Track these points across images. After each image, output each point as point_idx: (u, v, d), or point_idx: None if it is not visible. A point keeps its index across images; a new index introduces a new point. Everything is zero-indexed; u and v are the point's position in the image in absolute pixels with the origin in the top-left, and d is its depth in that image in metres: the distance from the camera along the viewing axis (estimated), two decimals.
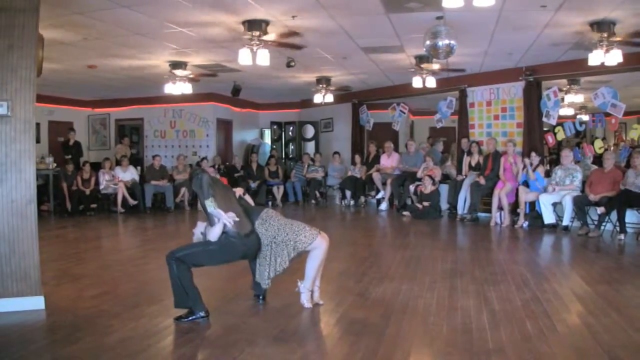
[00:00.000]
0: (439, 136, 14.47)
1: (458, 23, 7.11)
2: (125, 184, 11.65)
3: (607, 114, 9.88)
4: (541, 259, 7.16)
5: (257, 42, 7.49)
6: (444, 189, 10.97)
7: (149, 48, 8.79)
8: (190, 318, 4.15)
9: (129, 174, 12.02)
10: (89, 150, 15.25)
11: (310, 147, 16.00)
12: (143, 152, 15.38)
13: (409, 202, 11.23)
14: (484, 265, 6.25)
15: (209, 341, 3.90)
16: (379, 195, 12.38)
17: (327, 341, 3.91)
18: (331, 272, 5.76)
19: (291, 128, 16.46)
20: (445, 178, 11.37)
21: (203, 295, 4.21)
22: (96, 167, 12.20)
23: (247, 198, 4.87)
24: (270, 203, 12.91)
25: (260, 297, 4.72)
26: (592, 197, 8.21)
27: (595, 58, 7.64)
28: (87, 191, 11.36)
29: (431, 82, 9.96)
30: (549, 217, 8.83)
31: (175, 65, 10.02)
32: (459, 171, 10.95)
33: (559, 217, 8.86)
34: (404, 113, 13.58)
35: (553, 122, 10.41)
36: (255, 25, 7.29)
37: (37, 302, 4.48)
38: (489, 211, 9.82)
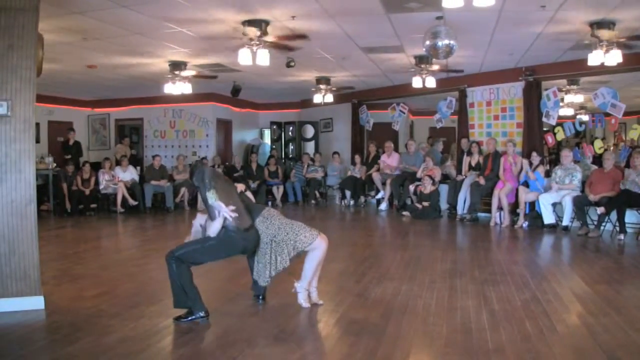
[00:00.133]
0: (438, 136, 14.48)
1: (458, 23, 7.11)
2: (125, 184, 11.65)
3: (607, 114, 9.89)
4: (541, 259, 7.16)
5: (257, 42, 7.50)
6: (444, 189, 10.97)
7: (148, 48, 8.78)
8: (189, 318, 4.15)
9: (129, 174, 12.02)
10: (88, 150, 15.24)
11: (310, 147, 16.00)
12: (143, 152, 15.37)
13: (408, 202, 11.23)
14: (484, 265, 6.25)
15: (208, 341, 3.90)
16: (379, 196, 12.38)
17: (326, 341, 3.91)
18: (331, 273, 5.76)
19: (291, 128, 16.46)
20: (445, 178, 11.37)
21: (203, 295, 4.20)
22: (96, 167, 12.20)
23: (249, 194, 4.87)
24: (270, 203, 12.89)
25: (260, 297, 4.72)
26: (592, 197, 8.22)
27: (595, 58, 7.64)
28: (87, 191, 11.35)
29: (431, 82, 9.96)
30: (548, 217, 8.83)
31: (175, 65, 10.02)
32: (459, 171, 10.95)
33: (559, 217, 8.86)
34: (404, 113, 13.58)
35: (553, 122, 10.41)
36: (255, 26, 7.29)
37: (36, 302, 4.48)
38: (489, 211, 9.82)
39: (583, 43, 8.03)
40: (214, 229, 4.22)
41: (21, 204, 4.50)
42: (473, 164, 10.55)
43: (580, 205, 8.38)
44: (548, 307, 4.52)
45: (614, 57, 7.54)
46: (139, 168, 13.11)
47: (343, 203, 13.07)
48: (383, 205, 11.90)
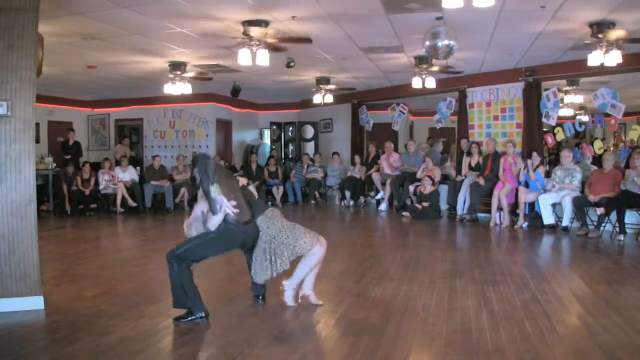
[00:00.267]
0: (438, 137, 14.48)
1: (458, 23, 7.11)
2: (124, 184, 11.65)
3: (607, 115, 9.88)
4: (540, 259, 7.16)
5: (257, 43, 7.49)
6: (444, 189, 10.98)
7: (148, 48, 8.78)
8: (189, 318, 4.15)
9: (129, 174, 12.02)
10: (88, 150, 15.24)
11: (309, 147, 15.99)
12: (142, 152, 15.37)
13: (408, 202, 11.23)
14: (484, 265, 6.25)
15: (208, 341, 3.91)
16: (379, 196, 12.38)
17: (326, 341, 3.91)
18: (331, 273, 5.76)
19: (291, 128, 16.46)
20: (445, 178, 11.37)
21: (203, 295, 4.20)
22: (96, 167, 12.20)
23: (251, 188, 4.86)
24: (269, 203, 12.89)
25: (260, 298, 4.72)
26: (592, 198, 8.22)
27: (595, 59, 7.64)
28: (87, 191, 11.36)
29: (431, 83, 9.96)
30: (548, 218, 8.84)
31: (175, 65, 10.01)
32: (459, 172, 10.95)
33: (559, 218, 8.86)
34: (404, 113, 13.58)
35: (553, 122, 10.41)
36: (255, 26, 7.28)
37: (36, 302, 4.48)
38: (489, 212, 9.82)
39: (583, 43, 8.03)
40: (214, 222, 4.23)
41: (21, 204, 4.50)
42: (473, 164, 10.55)
43: (580, 205, 8.39)
44: (548, 307, 4.52)
45: (614, 58, 7.54)
46: (138, 168, 13.11)
47: (343, 203, 13.07)
48: (383, 206, 11.90)
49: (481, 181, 9.96)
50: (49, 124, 14.16)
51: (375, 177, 12.43)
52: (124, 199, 11.50)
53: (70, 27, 7.33)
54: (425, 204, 10.56)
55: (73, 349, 3.61)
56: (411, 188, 11.09)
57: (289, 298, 4.60)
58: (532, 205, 9.32)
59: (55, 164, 11.83)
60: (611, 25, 7.22)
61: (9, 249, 4.44)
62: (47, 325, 4.17)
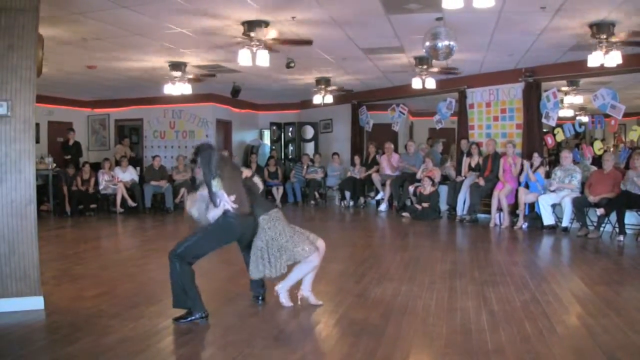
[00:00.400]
0: (438, 137, 14.48)
1: (458, 24, 7.11)
2: (124, 185, 11.65)
3: (607, 115, 9.88)
4: (540, 260, 7.17)
5: (257, 43, 7.49)
6: (444, 190, 10.97)
7: (148, 48, 8.78)
8: (189, 319, 4.15)
9: (129, 175, 12.02)
10: (88, 150, 15.24)
11: (309, 147, 15.99)
12: (142, 153, 15.37)
13: (408, 203, 11.23)
14: (483, 266, 6.25)
15: (208, 341, 3.91)
16: (379, 196, 12.38)
17: (326, 342, 3.91)
18: (331, 273, 5.77)
19: (290, 129, 16.46)
20: (445, 179, 11.37)
21: (202, 295, 4.20)
22: (96, 167, 12.20)
23: (256, 180, 4.82)
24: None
25: (260, 298, 4.73)
26: (592, 199, 8.22)
27: (595, 59, 7.64)
28: (87, 190, 11.36)
29: (431, 83, 9.95)
30: (548, 219, 8.84)
31: (175, 65, 10.01)
32: (459, 172, 10.94)
33: (559, 219, 8.86)
34: (404, 114, 13.58)
35: (553, 123, 10.40)
36: (255, 26, 7.29)
37: (36, 302, 4.48)
38: (489, 212, 9.82)
39: (583, 44, 8.03)
40: (213, 215, 4.25)
41: (21, 204, 4.50)
42: (473, 165, 10.55)
43: (580, 206, 8.39)
44: (548, 308, 4.52)
45: (614, 59, 7.54)
46: (138, 168, 13.11)
47: (342, 204, 13.07)
48: (383, 206, 11.90)
49: (481, 182, 9.96)
50: (49, 124, 14.16)
51: (375, 178, 12.43)
52: (123, 199, 11.50)
53: (71, 27, 7.33)
54: (425, 205, 10.56)
55: (73, 349, 3.61)
56: (411, 189, 11.09)
57: (284, 299, 4.63)
58: (532, 206, 9.32)
59: (55, 164, 11.83)
60: (611, 25, 7.22)
61: (9, 249, 4.44)
62: (47, 325, 4.17)
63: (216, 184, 4.15)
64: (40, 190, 9.69)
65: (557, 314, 4.36)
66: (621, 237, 7.80)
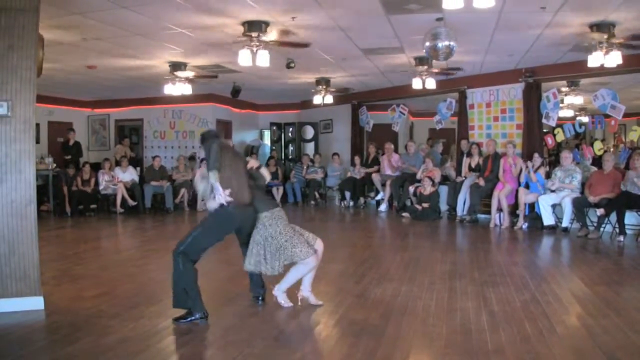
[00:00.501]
0: (438, 137, 14.48)
1: (458, 24, 7.12)
2: (124, 185, 11.65)
3: (607, 116, 9.88)
4: (540, 260, 7.17)
5: (257, 43, 7.50)
6: (444, 190, 10.97)
7: (148, 49, 8.79)
8: (188, 319, 4.15)
9: (129, 175, 12.02)
10: (88, 150, 15.24)
11: (309, 148, 16.00)
12: (142, 153, 15.37)
13: (408, 203, 11.23)
14: (483, 266, 6.25)
15: (208, 342, 3.91)
16: (379, 197, 12.39)
17: (326, 342, 3.91)
18: (330, 273, 5.77)
19: (291, 129, 16.46)
20: (445, 179, 11.37)
21: (202, 295, 4.20)
22: (96, 167, 12.20)
23: (263, 171, 4.79)
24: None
25: (260, 298, 4.73)
26: (592, 199, 8.22)
27: (595, 60, 7.64)
28: (87, 190, 11.36)
29: (431, 84, 9.96)
30: (548, 219, 8.83)
31: (175, 66, 10.02)
32: (459, 172, 10.94)
33: (559, 219, 8.86)
34: (404, 114, 13.58)
35: (553, 123, 10.40)
36: (255, 26, 7.29)
37: (36, 303, 4.48)
38: (489, 212, 9.82)
39: (583, 44, 8.03)
40: (211, 205, 4.31)
41: (21, 205, 4.50)
42: (473, 165, 10.55)
43: (580, 206, 8.39)
44: (547, 308, 4.52)
45: (614, 59, 7.54)
46: (138, 169, 13.11)
47: (342, 204, 13.07)
48: (383, 207, 11.90)
49: (481, 182, 9.96)
50: (49, 124, 14.17)
51: (375, 178, 12.43)
52: (123, 200, 11.51)
53: (71, 27, 7.33)
54: (425, 205, 10.55)
55: (73, 350, 3.61)
56: (411, 189, 11.10)
57: (282, 300, 4.64)
58: (532, 206, 9.32)
59: (55, 165, 11.84)
60: (611, 26, 7.22)
61: (9, 249, 4.44)
62: (47, 325, 4.17)
63: (213, 176, 4.19)
64: (40, 191, 9.69)
65: (557, 314, 4.36)
66: (621, 238, 7.80)
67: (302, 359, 3.55)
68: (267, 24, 7.30)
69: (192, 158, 13.38)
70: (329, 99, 12.53)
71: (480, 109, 11.42)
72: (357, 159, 13.20)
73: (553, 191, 8.92)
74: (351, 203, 12.83)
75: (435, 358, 3.56)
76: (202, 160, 4.73)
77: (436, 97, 12.45)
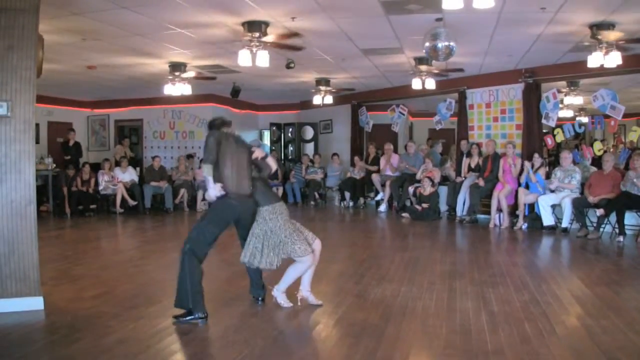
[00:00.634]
0: (438, 138, 14.49)
1: (458, 25, 7.12)
2: (124, 185, 11.65)
3: (607, 116, 9.89)
4: (540, 260, 7.17)
5: (257, 44, 7.50)
6: (443, 190, 10.98)
7: (148, 49, 8.79)
8: (188, 318, 4.16)
9: (128, 175, 12.03)
10: (88, 151, 15.23)
11: (309, 148, 16.00)
12: (142, 153, 15.37)
13: (408, 203, 11.23)
14: (483, 267, 6.25)
15: (208, 342, 3.91)
16: (378, 197, 12.39)
17: (326, 342, 3.91)
18: (330, 274, 5.77)
19: (290, 129, 16.46)
20: (444, 180, 11.38)
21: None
22: (95, 168, 12.20)
23: (270, 161, 4.75)
24: None
25: (259, 299, 4.73)
26: (591, 199, 8.22)
27: (595, 60, 7.64)
28: (87, 191, 11.36)
29: (430, 84, 9.96)
30: (548, 219, 8.84)
31: (175, 66, 10.01)
32: (458, 173, 10.95)
33: (558, 219, 8.86)
34: (404, 114, 13.58)
35: (552, 124, 10.40)
36: (255, 27, 7.29)
37: (36, 303, 4.48)
38: (488, 213, 9.82)
39: (583, 45, 8.03)
40: (209, 195, 4.40)
41: (21, 205, 4.50)
42: (472, 165, 10.55)
43: (580, 207, 8.39)
44: (547, 308, 4.52)
45: (614, 59, 7.54)
46: (138, 169, 13.11)
47: (342, 204, 13.07)
48: (382, 207, 11.90)
49: (481, 182, 9.96)
50: (48, 125, 14.16)
51: (375, 179, 12.43)
52: (123, 200, 11.51)
53: (71, 27, 7.33)
54: (425, 205, 10.56)
55: (72, 350, 3.61)
56: (411, 189, 11.10)
57: (282, 301, 4.64)
58: (531, 207, 9.32)
59: (55, 165, 11.84)
60: (611, 26, 7.22)
61: (8, 249, 4.44)
62: (46, 325, 4.17)
63: (206, 169, 4.26)
64: (40, 191, 9.70)
65: (557, 315, 4.36)
66: (621, 238, 7.80)
67: (302, 359, 3.55)
68: (267, 24, 7.30)
69: (190, 156, 13.39)
70: (329, 100, 12.53)
71: (479, 109, 11.42)
72: (357, 159, 13.21)
73: (553, 191, 8.92)
74: (351, 203, 12.84)
75: (434, 358, 3.56)
76: (201, 160, 4.76)
77: (436, 98, 12.45)
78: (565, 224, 8.61)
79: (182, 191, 12.31)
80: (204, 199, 11.77)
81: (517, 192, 9.44)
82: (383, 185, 12.10)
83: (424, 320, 4.26)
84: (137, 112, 15.22)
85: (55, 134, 14.16)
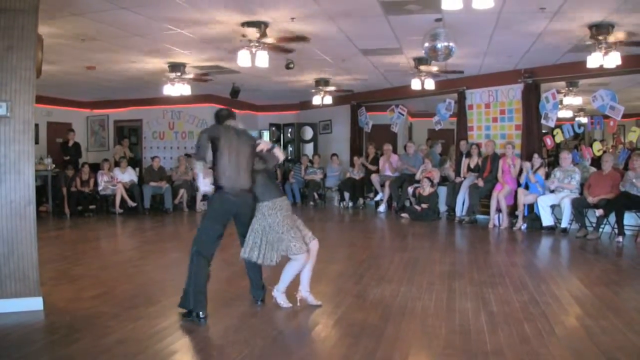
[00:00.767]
0: (437, 138, 14.49)
1: (457, 25, 7.12)
2: (123, 185, 11.65)
3: (606, 116, 9.90)
4: (539, 261, 7.17)
5: (256, 44, 7.50)
6: (443, 191, 10.98)
7: (147, 49, 8.78)
8: (189, 317, 4.18)
9: (128, 175, 12.02)
10: (87, 151, 15.23)
11: (308, 148, 16.00)
12: (141, 154, 15.36)
13: (407, 204, 11.24)
14: (482, 267, 6.25)
15: (207, 342, 3.91)
16: (378, 197, 12.39)
17: (325, 343, 3.91)
18: (330, 274, 5.77)
19: (290, 130, 16.47)
20: (444, 180, 11.38)
21: None
22: (95, 168, 12.19)
23: (276, 151, 4.69)
24: None
25: (259, 299, 4.73)
26: (591, 200, 8.23)
27: (594, 60, 7.64)
28: (86, 191, 11.36)
29: (430, 84, 9.97)
30: (547, 220, 8.84)
31: (174, 66, 10.01)
32: (458, 173, 10.95)
33: (558, 220, 8.86)
34: (403, 115, 13.58)
35: (552, 124, 10.41)
36: (255, 27, 7.29)
37: (35, 303, 4.48)
38: (488, 213, 9.83)
39: (582, 45, 8.04)
40: (202, 189, 4.53)
41: (20, 205, 4.50)
42: (472, 165, 10.56)
43: (579, 207, 8.39)
44: (546, 309, 4.52)
45: (613, 60, 7.54)
46: (137, 169, 13.11)
47: (342, 205, 13.07)
48: (382, 207, 11.90)
49: (480, 183, 9.97)
50: (48, 125, 14.15)
51: (374, 179, 12.43)
52: (123, 200, 11.50)
53: (70, 28, 7.33)
54: (424, 206, 10.56)
55: (72, 350, 3.61)
56: (410, 189, 11.10)
57: (280, 301, 4.65)
58: (531, 207, 9.32)
59: (54, 165, 11.83)
60: (610, 27, 7.23)
61: (8, 249, 4.44)
62: (45, 326, 4.17)
63: (197, 166, 4.35)
64: (39, 191, 9.70)
65: (556, 315, 4.37)
66: (620, 238, 7.80)
67: (301, 359, 3.55)
68: (266, 24, 7.30)
69: (188, 156, 13.38)
70: (328, 100, 12.52)
71: (479, 109, 11.43)
72: (356, 158, 13.21)
73: (552, 192, 8.93)
74: (350, 204, 12.84)
75: (434, 358, 3.57)
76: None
77: (435, 98, 12.45)
78: (564, 224, 8.62)
79: (182, 191, 12.31)
80: (203, 199, 11.79)
81: (516, 192, 9.44)
82: (382, 186, 12.10)
83: (423, 321, 4.26)
84: (137, 113, 15.21)
85: (55, 134, 14.16)
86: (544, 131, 10.98)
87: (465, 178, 10.52)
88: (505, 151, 9.96)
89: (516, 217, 9.38)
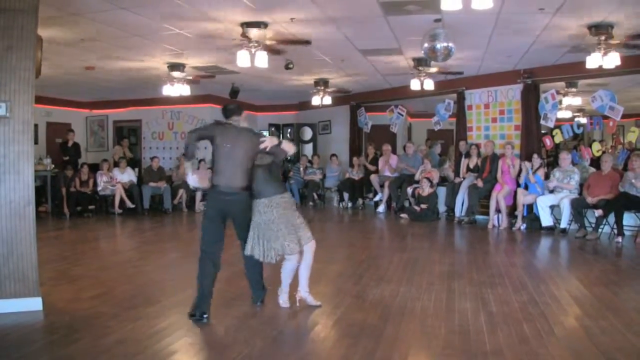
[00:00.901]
0: (437, 138, 14.49)
1: (456, 26, 7.12)
2: (123, 186, 11.64)
3: (605, 117, 9.89)
4: (539, 261, 7.17)
5: (256, 44, 7.50)
6: (442, 191, 10.97)
7: (147, 50, 8.78)
8: (193, 317, 4.23)
9: (127, 176, 12.02)
10: (86, 151, 15.21)
11: (308, 149, 16.00)
12: (141, 154, 15.36)
13: (406, 204, 11.24)
14: (482, 267, 6.25)
15: (207, 342, 3.91)
16: (377, 198, 12.39)
17: (324, 343, 3.91)
18: (329, 274, 5.78)
19: (289, 130, 16.47)
20: (443, 180, 11.38)
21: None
22: (94, 168, 12.19)
23: (285, 146, 4.58)
24: None
25: (259, 300, 4.73)
26: (590, 200, 8.23)
27: (593, 61, 7.65)
28: (86, 191, 11.36)
29: (429, 85, 9.97)
30: (546, 220, 8.84)
31: (174, 67, 10.01)
32: (457, 173, 10.95)
33: (557, 220, 8.86)
34: (402, 115, 13.58)
35: (551, 124, 10.41)
36: (254, 28, 7.29)
37: (34, 303, 4.48)
38: (487, 214, 9.83)
39: (581, 46, 8.05)
40: (192, 183, 4.80)
41: (20, 205, 4.50)
42: (471, 166, 10.56)
43: (578, 207, 8.39)
44: (546, 309, 4.53)
45: (612, 60, 7.55)
46: (137, 169, 13.10)
47: (341, 205, 13.06)
48: (381, 208, 11.90)
49: (479, 183, 9.97)
50: (47, 125, 14.15)
51: (374, 179, 12.43)
52: (122, 201, 11.50)
53: (69, 28, 7.32)
54: (424, 206, 10.56)
55: (71, 350, 3.61)
56: (409, 190, 11.10)
57: (280, 301, 4.67)
58: (530, 207, 9.32)
59: (53, 165, 11.83)
60: (610, 27, 7.23)
61: (7, 250, 4.44)
62: (45, 326, 4.17)
63: (187, 164, 4.60)
64: (38, 192, 9.70)
65: (555, 315, 4.37)
66: (619, 239, 7.80)
67: (301, 359, 3.56)
68: (266, 25, 7.30)
69: (184, 155, 13.36)
70: (328, 100, 12.52)
71: (478, 110, 11.43)
72: (355, 159, 13.20)
73: (551, 192, 8.93)
74: (349, 204, 12.84)
75: (433, 359, 3.57)
76: (200, 161, 4.86)
77: (434, 98, 12.46)
78: (563, 224, 8.62)
79: (181, 192, 12.30)
80: (202, 200, 11.78)
81: (515, 192, 9.44)
82: (382, 186, 12.10)
83: (422, 321, 4.26)
84: (136, 113, 15.20)
85: (54, 134, 14.14)
86: (543, 131, 10.98)
87: (464, 178, 10.52)
88: (505, 151, 9.96)
89: (515, 217, 9.38)
